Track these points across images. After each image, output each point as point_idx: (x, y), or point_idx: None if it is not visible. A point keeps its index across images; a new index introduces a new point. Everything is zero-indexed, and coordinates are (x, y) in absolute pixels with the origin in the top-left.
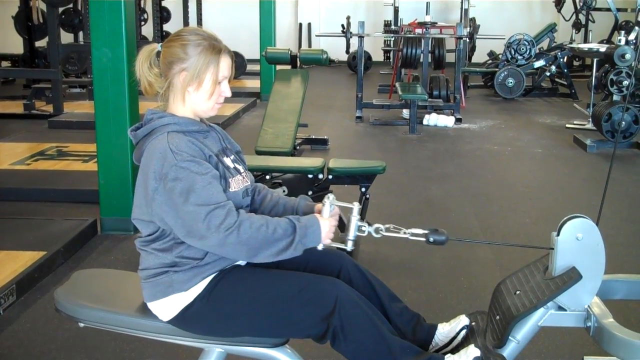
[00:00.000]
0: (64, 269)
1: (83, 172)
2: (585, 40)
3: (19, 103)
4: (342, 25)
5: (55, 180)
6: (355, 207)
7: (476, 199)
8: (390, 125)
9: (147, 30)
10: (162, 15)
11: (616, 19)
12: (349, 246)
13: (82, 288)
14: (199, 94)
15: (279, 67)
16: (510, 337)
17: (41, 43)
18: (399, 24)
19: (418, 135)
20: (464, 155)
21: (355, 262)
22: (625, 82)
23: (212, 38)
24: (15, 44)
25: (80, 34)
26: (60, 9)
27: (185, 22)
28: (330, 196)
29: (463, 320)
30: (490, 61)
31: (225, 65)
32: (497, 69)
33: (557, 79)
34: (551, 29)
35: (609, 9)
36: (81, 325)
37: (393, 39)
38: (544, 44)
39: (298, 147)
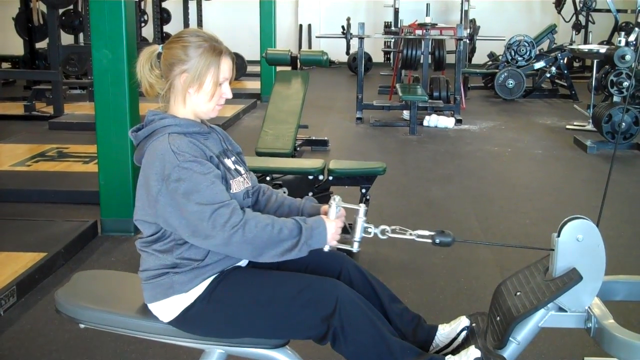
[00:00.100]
0: (64, 270)
1: (83, 174)
2: (585, 42)
3: (20, 104)
4: (343, 27)
5: (55, 182)
6: (362, 208)
7: (476, 200)
8: (390, 127)
9: (148, 31)
10: (163, 16)
11: (616, 20)
12: (355, 247)
13: (83, 289)
14: (199, 96)
15: (279, 68)
16: (510, 338)
17: (41, 44)
18: (399, 25)
19: (418, 136)
20: (464, 157)
21: (355, 263)
22: (626, 83)
23: (213, 39)
24: (15, 46)
25: (81, 35)
26: (61, 11)
27: (186, 24)
28: (337, 198)
29: (463, 321)
30: (490, 62)
31: (226, 66)
32: (497, 70)
33: (557, 80)
34: (551, 30)
35: (609, 10)
36: (82, 326)
37: (393, 40)
38: (544, 45)
39: (298, 149)
